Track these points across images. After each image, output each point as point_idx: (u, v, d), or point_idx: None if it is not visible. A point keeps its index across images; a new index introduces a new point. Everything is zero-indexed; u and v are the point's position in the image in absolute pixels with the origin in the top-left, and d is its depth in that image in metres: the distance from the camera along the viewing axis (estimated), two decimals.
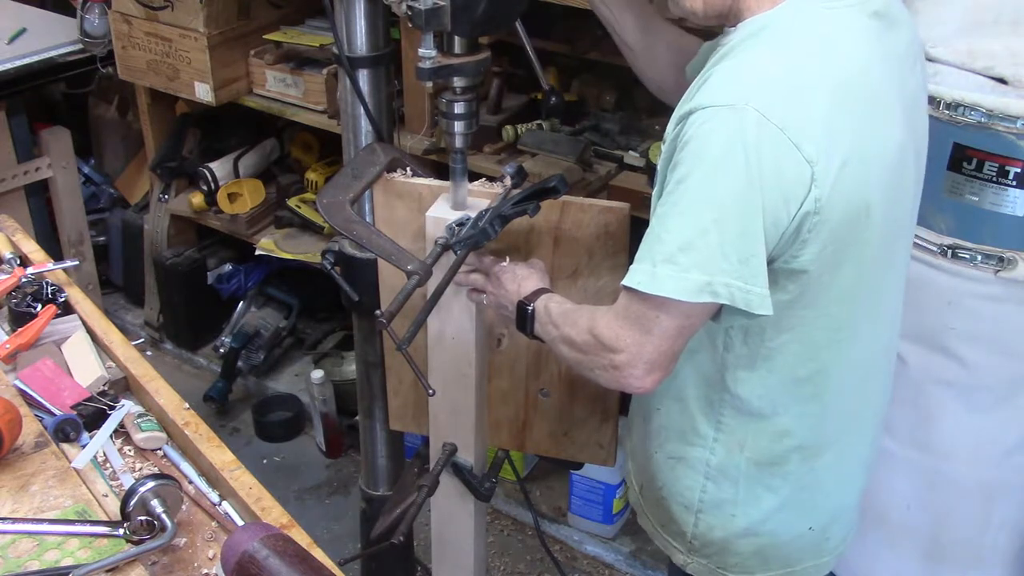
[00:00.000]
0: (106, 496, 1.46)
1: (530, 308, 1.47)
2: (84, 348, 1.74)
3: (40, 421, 1.57)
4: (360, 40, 1.72)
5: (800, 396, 1.44)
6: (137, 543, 1.34)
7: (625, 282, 1.28)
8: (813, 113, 1.23)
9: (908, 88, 1.38)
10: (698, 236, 1.22)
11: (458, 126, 1.61)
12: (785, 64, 1.25)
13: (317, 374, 3.02)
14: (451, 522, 1.88)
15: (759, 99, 1.20)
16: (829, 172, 1.23)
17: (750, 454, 1.48)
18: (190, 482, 1.52)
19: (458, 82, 1.58)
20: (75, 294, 1.89)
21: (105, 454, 1.55)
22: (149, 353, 3.59)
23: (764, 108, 1.20)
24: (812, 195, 1.23)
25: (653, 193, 1.42)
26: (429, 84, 1.65)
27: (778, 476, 1.50)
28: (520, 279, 1.53)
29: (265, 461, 3.19)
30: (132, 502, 1.35)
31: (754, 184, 1.20)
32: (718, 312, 1.32)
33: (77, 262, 2.19)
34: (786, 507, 1.52)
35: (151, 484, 1.36)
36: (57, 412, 1.58)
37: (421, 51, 1.50)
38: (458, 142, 1.62)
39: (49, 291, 1.84)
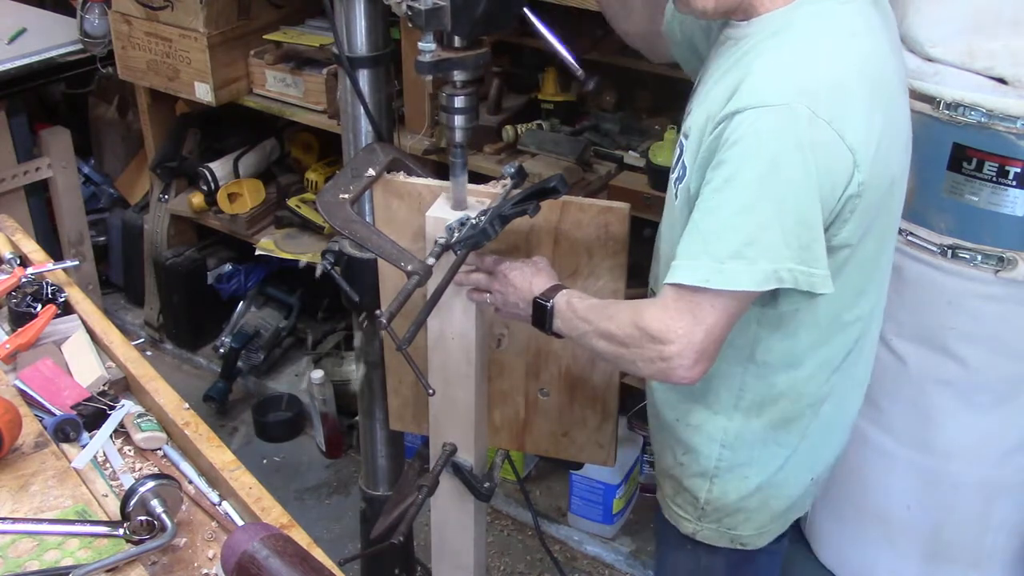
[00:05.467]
0: (106, 496, 1.46)
1: (549, 304, 1.48)
2: (84, 348, 1.74)
3: (40, 421, 1.57)
4: (360, 40, 1.71)
5: (820, 357, 1.50)
6: (137, 543, 1.34)
7: (684, 280, 1.31)
8: (853, 104, 1.30)
9: (902, 71, 1.47)
10: (761, 230, 1.28)
11: (458, 120, 1.61)
12: (822, 59, 1.32)
13: (317, 374, 3.02)
14: (451, 522, 1.88)
15: (807, 96, 1.27)
16: (868, 156, 1.31)
17: (769, 418, 1.53)
18: (190, 482, 1.52)
19: (458, 76, 1.58)
20: (75, 294, 1.89)
21: (105, 454, 1.56)
22: (149, 353, 3.59)
23: (812, 104, 1.27)
24: (855, 180, 1.32)
25: (677, 187, 1.45)
26: (429, 79, 1.64)
27: (792, 433, 1.55)
28: (530, 276, 1.54)
29: (265, 461, 3.19)
30: (132, 502, 1.35)
31: (811, 176, 1.27)
32: (775, 297, 1.38)
33: (77, 262, 2.18)
34: (793, 458, 1.57)
35: (151, 484, 1.36)
36: (57, 412, 1.58)
37: (421, 45, 1.50)
38: (458, 136, 1.62)
39: (49, 291, 1.84)
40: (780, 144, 1.27)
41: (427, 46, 1.50)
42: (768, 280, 1.30)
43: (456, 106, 1.60)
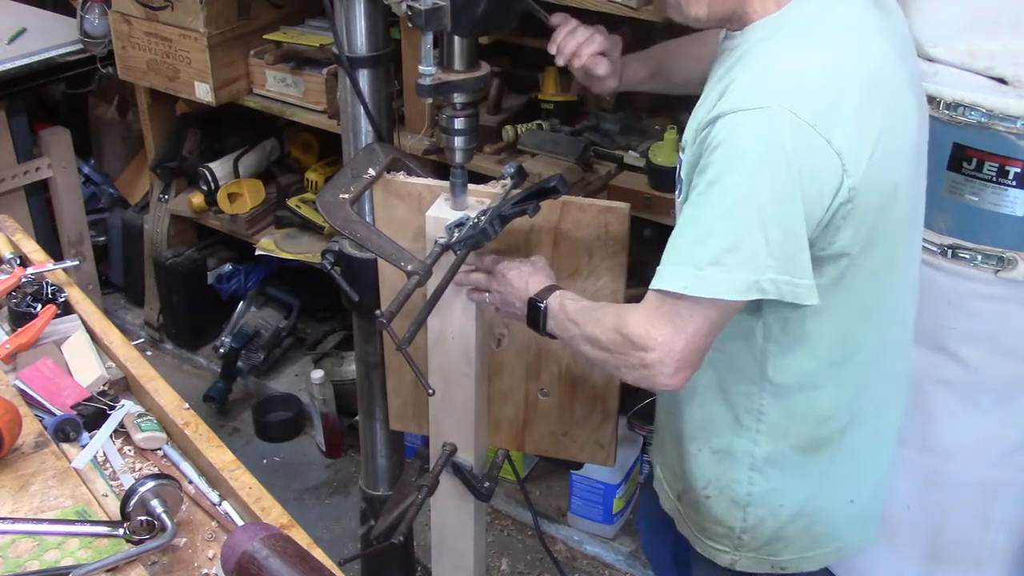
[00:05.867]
0: (106, 496, 1.46)
1: (543, 305, 1.48)
2: (84, 348, 1.74)
3: (40, 421, 1.57)
4: (360, 40, 1.72)
5: (836, 376, 1.47)
6: (137, 543, 1.34)
7: (665, 286, 1.29)
8: (842, 106, 1.27)
9: (913, 72, 1.44)
10: (743, 237, 1.25)
11: (458, 141, 1.62)
12: (810, 61, 1.29)
13: (317, 374, 3.02)
14: (451, 522, 1.88)
15: (790, 99, 1.24)
16: (860, 161, 1.28)
17: (794, 441, 1.51)
18: (190, 482, 1.52)
19: (458, 98, 1.59)
20: (75, 294, 1.89)
21: (105, 454, 1.56)
22: (149, 353, 3.59)
23: (795, 107, 1.24)
24: (845, 185, 1.27)
25: (678, 199, 1.44)
26: (429, 100, 1.65)
27: (823, 459, 1.53)
28: (527, 276, 1.54)
29: (265, 461, 3.19)
30: (132, 502, 1.35)
31: (794, 181, 1.24)
32: (759, 307, 1.36)
33: (77, 262, 2.18)
34: (828, 483, 1.55)
35: (151, 484, 1.36)
36: (57, 412, 1.58)
37: (421, 68, 1.51)
38: (458, 157, 1.63)
39: (49, 291, 1.84)
40: (761, 148, 1.24)
41: (427, 69, 1.51)
42: (750, 290, 1.27)
43: (456, 128, 1.60)
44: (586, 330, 1.41)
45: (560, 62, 1.65)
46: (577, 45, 1.61)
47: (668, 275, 1.30)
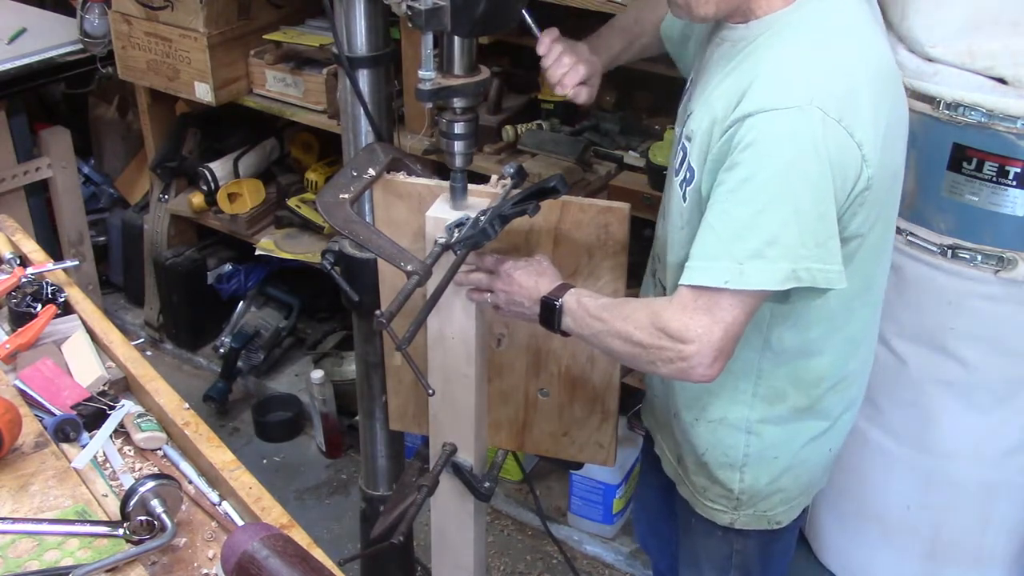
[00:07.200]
0: (106, 496, 1.46)
1: (558, 303, 1.49)
2: (84, 348, 1.74)
3: (40, 421, 1.57)
4: (360, 40, 1.71)
5: (835, 342, 1.53)
6: (137, 543, 1.34)
7: (703, 282, 1.33)
8: (860, 101, 1.33)
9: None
10: (782, 229, 1.30)
11: (458, 146, 1.62)
12: (829, 58, 1.35)
13: (317, 374, 3.02)
14: (451, 522, 1.88)
15: (819, 97, 1.29)
16: (875, 150, 1.34)
17: (792, 403, 1.57)
18: (190, 482, 1.52)
19: (458, 103, 1.59)
20: (75, 294, 1.89)
21: (105, 454, 1.56)
22: (149, 353, 3.59)
23: (824, 105, 1.29)
24: (864, 174, 1.35)
25: (685, 189, 1.47)
26: (429, 104, 1.66)
27: (818, 415, 1.59)
28: (535, 275, 1.55)
29: (265, 461, 3.19)
30: (132, 502, 1.35)
31: (825, 175, 1.30)
32: (787, 292, 1.40)
33: (77, 262, 2.18)
34: (814, 435, 1.61)
35: (151, 484, 1.36)
36: (57, 412, 1.58)
37: (421, 73, 1.51)
38: (458, 161, 1.63)
39: (49, 291, 1.84)
40: (795, 146, 1.29)
41: (427, 74, 1.51)
42: (788, 280, 1.32)
43: (456, 132, 1.60)
44: (615, 326, 1.43)
45: (546, 86, 1.70)
46: (562, 76, 1.66)
47: (704, 270, 1.33)
